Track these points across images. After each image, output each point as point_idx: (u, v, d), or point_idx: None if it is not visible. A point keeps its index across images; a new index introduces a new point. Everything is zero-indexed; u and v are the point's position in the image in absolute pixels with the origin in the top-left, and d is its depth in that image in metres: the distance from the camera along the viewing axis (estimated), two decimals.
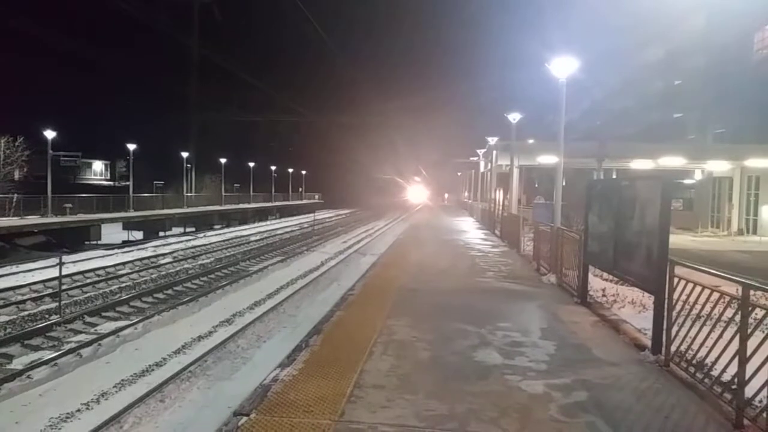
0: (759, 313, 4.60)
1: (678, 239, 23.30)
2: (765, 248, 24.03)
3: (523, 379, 5.51)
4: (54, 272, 17.29)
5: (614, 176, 32.91)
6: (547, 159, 27.86)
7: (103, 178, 78.58)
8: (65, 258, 18.36)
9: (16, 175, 36.39)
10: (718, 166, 33.49)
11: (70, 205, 32.31)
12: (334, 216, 62.77)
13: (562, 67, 13.37)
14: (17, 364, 10.41)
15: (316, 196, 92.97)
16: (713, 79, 36.86)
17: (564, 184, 14.96)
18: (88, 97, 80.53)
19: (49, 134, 32.56)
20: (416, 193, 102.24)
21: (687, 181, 36.49)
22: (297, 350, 6.58)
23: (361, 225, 47.42)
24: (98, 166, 79.27)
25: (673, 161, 31.25)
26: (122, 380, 9.50)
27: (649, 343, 6.43)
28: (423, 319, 8.02)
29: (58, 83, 73.86)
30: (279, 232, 40.74)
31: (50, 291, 16.23)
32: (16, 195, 30.67)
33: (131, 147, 43.00)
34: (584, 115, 47.63)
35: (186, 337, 12.18)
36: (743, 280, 4.63)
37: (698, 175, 35.96)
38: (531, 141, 35.50)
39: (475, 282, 11.70)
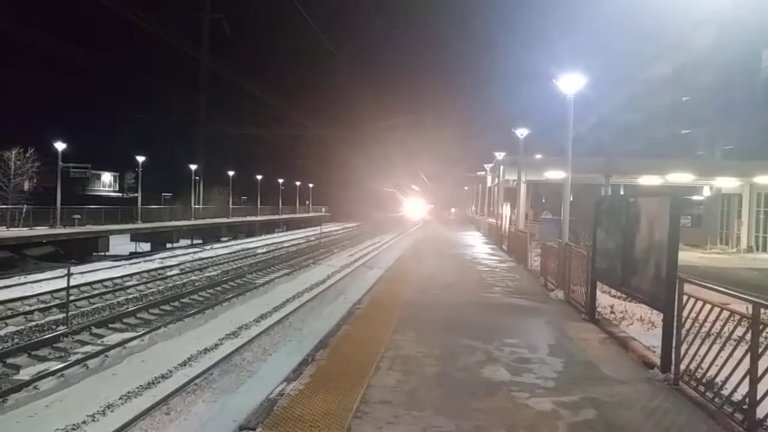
0: None
1: (686, 256, 23.14)
2: None
3: (531, 396, 5.47)
4: (62, 283, 17.36)
5: (622, 192, 32.86)
6: (555, 174, 27.85)
7: (111, 189, 79.09)
8: (73, 269, 18.42)
9: (26, 186, 36.73)
10: (727, 183, 33.34)
11: (78, 216, 32.54)
12: (340, 229, 62.78)
13: (570, 83, 13.42)
14: (24, 375, 10.43)
15: (323, 209, 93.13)
16: (721, 95, 36.90)
17: (571, 199, 14.94)
18: (98, 110, 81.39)
19: (60, 146, 32.86)
20: (419, 207, 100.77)
21: (695, 198, 36.34)
22: (303, 364, 6.57)
23: (368, 238, 47.41)
24: (107, 177, 79.84)
25: (681, 177, 31.14)
26: (128, 392, 9.48)
27: (658, 361, 6.37)
28: (430, 334, 7.99)
29: (68, 95, 74.65)
30: (286, 244, 40.77)
31: (58, 302, 16.29)
32: (25, 206, 30.94)
33: (140, 159, 43.31)
34: (591, 129, 47.61)
35: (192, 349, 12.15)
36: (754, 299, 4.60)
37: (707, 192, 35.80)
38: (538, 156, 35.51)
39: (483, 297, 11.65)
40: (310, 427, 4.65)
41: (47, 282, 19.85)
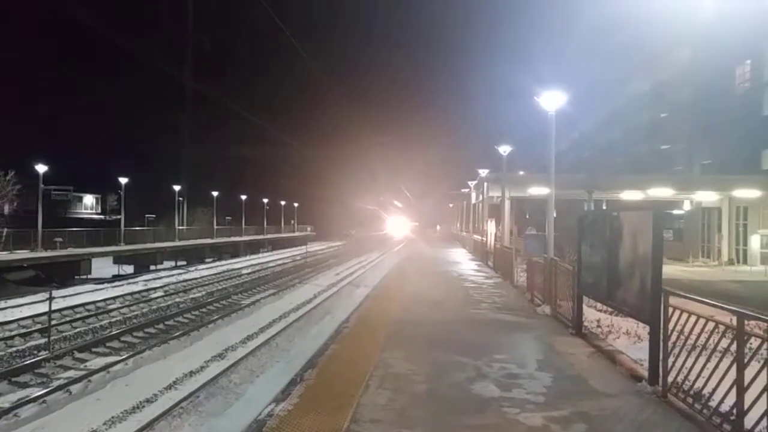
0: (755, 342, 4.63)
1: (669, 269, 23.35)
2: (756, 278, 24.19)
3: (521, 411, 5.46)
4: (43, 307, 17.06)
5: (604, 207, 33.20)
6: (538, 190, 28.12)
7: (93, 211, 78.24)
8: (55, 293, 18.13)
9: (6, 210, 36.24)
10: (707, 197, 33.88)
11: (60, 239, 32.06)
12: (326, 248, 62.56)
13: (551, 100, 13.61)
14: (4, 402, 10.19)
15: (309, 228, 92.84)
16: (699, 111, 37.65)
17: (555, 215, 15.06)
18: (79, 131, 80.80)
19: (41, 168, 32.50)
20: (403, 225, 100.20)
21: (676, 212, 36.83)
22: (292, 384, 6.51)
23: (354, 257, 47.29)
24: (89, 199, 79.05)
25: (662, 192, 31.60)
26: (112, 417, 9.31)
27: (645, 373, 6.41)
28: (418, 351, 7.97)
29: (50, 117, 74.09)
30: (271, 264, 40.53)
31: (39, 326, 16.01)
32: (5, 229, 30.45)
33: (123, 180, 42.95)
34: (573, 146, 48.42)
35: (177, 372, 11.99)
36: (739, 310, 4.67)
37: (687, 206, 36.32)
38: (521, 173, 35.87)
39: (470, 313, 11.66)
40: None
41: (28, 306, 19.50)
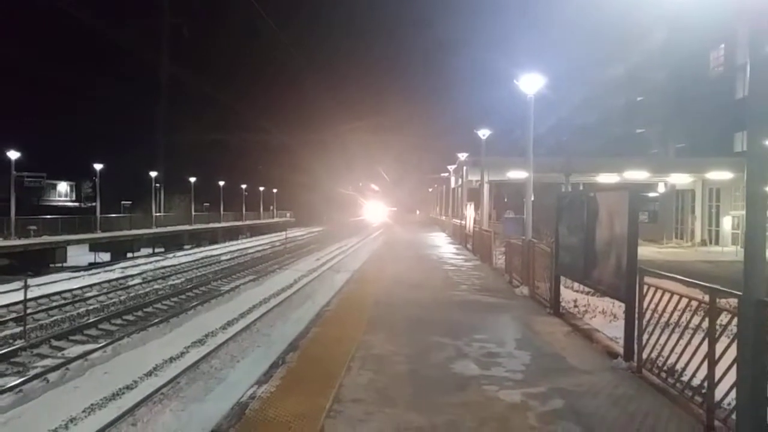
0: (724, 318, 4.77)
1: (644, 251, 23.76)
2: (727, 258, 24.74)
3: (501, 389, 5.56)
4: (18, 296, 16.81)
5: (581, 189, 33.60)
6: (517, 174, 28.30)
7: (68, 199, 76.80)
8: (30, 281, 17.86)
9: None
10: (681, 179, 34.51)
11: (34, 227, 31.46)
12: (306, 234, 62.33)
13: (530, 83, 13.70)
14: None
15: (288, 214, 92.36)
16: (673, 95, 38.15)
17: (533, 198, 15.21)
18: (53, 117, 78.93)
19: (13, 155, 31.78)
20: (382, 210, 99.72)
21: (651, 194, 37.45)
22: (274, 367, 6.53)
23: (334, 242, 47.23)
24: (63, 186, 77.52)
25: (637, 175, 32.08)
26: (92, 405, 9.23)
27: (621, 350, 6.57)
28: (399, 333, 8.04)
29: (22, 103, 72.23)
30: (250, 251, 40.31)
31: (14, 315, 15.73)
32: None
33: (98, 167, 42.19)
34: (551, 130, 48.64)
35: (157, 358, 11.91)
36: (711, 286, 4.79)
37: (661, 188, 36.93)
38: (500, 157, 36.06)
39: (450, 295, 11.78)
40: (284, 428, 4.63)
41: (2, 295, 19.14)
